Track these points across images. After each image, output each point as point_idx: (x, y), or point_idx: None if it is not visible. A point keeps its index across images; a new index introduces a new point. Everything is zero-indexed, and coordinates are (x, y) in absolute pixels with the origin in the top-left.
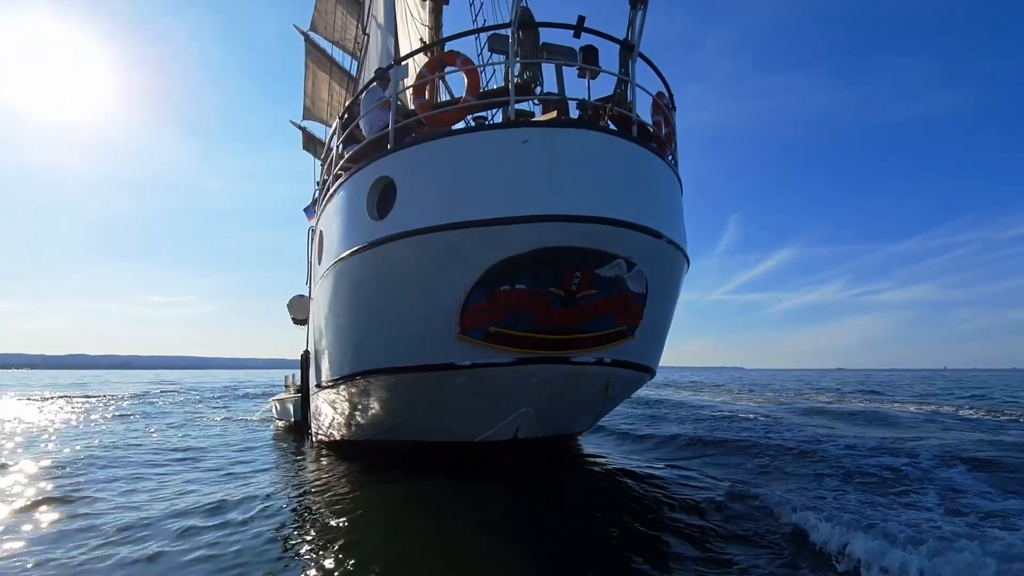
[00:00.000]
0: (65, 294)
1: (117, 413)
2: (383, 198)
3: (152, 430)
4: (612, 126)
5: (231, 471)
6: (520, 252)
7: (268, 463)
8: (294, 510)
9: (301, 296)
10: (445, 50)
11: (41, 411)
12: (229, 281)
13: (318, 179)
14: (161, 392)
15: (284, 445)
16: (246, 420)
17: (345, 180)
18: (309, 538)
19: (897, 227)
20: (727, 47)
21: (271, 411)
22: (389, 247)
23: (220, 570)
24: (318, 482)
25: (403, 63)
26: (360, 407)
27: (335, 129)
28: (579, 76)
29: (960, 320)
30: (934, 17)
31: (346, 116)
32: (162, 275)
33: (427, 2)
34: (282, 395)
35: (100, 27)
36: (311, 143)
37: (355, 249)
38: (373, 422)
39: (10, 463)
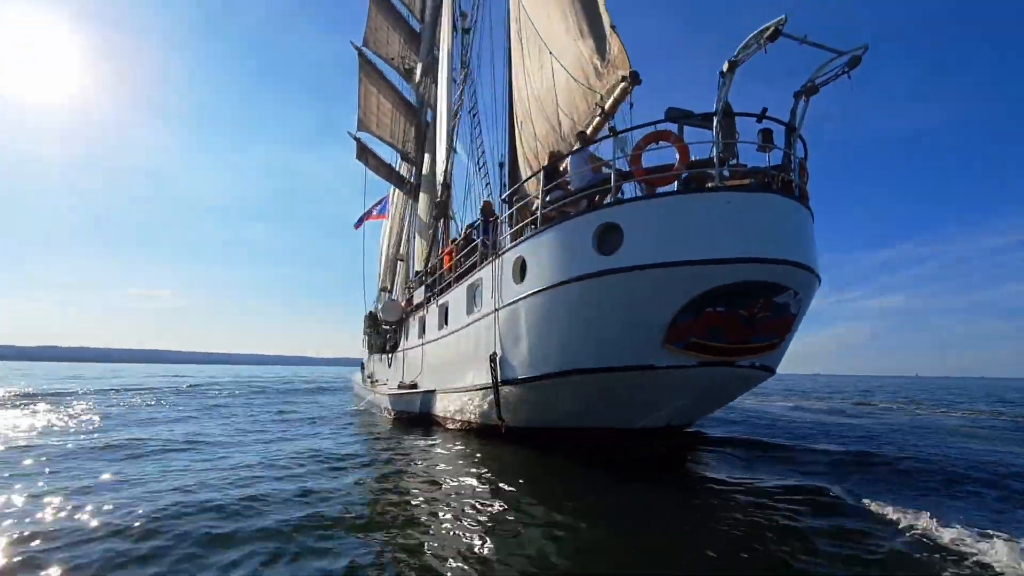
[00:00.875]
0: (37, 283)
1: (213, 403)
2: (605, 238)
3: (281, 416)
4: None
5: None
6: (723, 284)
7: (454, 445)
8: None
9: (392, 300)
10: (658, 128)
11: (139, 403)
12: (210, 275)
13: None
14: (188, 386)
15: (417, 432)
16: (345, 411)
17: (562, 221)
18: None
19: (875, 237)
20: (715, 54)
21: (373, 403)
22: (617, 277)
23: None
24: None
25: (622, 135)
26: (554, 398)
27: (531, 176)
28: (757, 151)
29: (932, 329)
30: (911, 32)
31: (550, 170)
32: (140, 267)
33: (621, 84)
34: (399, 390)
35: (76, 10)
36: (364, 153)
37: (579, 276)
38: (560, 410)
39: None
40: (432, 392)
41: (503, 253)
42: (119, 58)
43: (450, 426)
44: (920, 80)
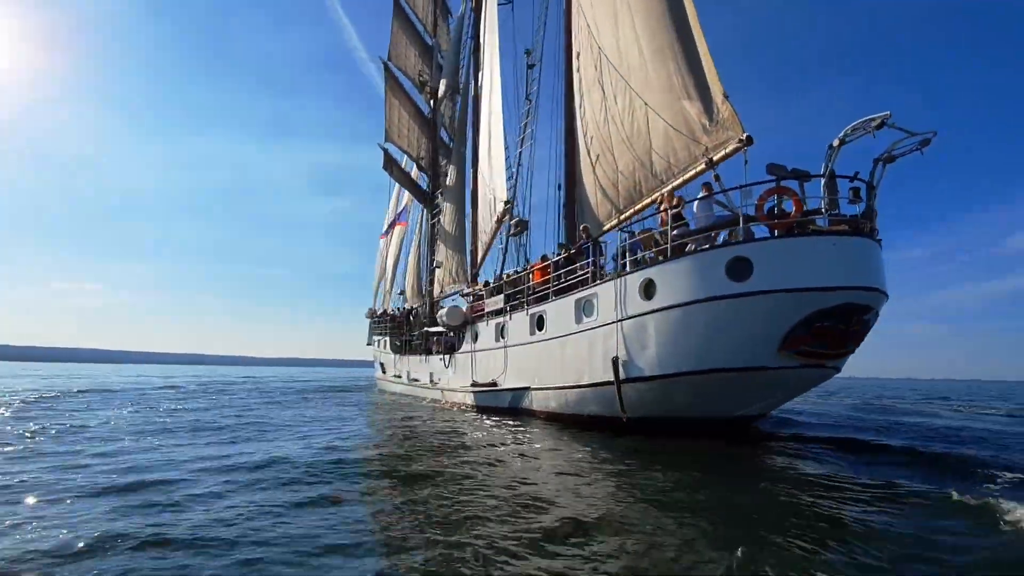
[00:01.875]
0: None
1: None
2: (736, 268)
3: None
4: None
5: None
6: (831, 305)
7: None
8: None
9: (457, 306)
10: (779, 185)
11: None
12: (144, 271)
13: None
14: (203, 385)
15: (519, 419)
16: (412, 405)
17: (694, 253)
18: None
19: None
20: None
21: (437, 400)
22: (748, 299)
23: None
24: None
25: (747, 188)
26: (675, 392)
27: (660, 213)
28: (849, 203)
29: (893, 333)
30: (863, 46)
31: (675, 211)
32: (65, 260)
33: (734, 144)
34: (481, 388)
35: None
36: (390, 164)
37: (713, 296)
38: (676, 403)
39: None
40: (524, 389)
41: (626, 275)
42: (49, 38)
43: (544, 417)
44: (873, 91)
